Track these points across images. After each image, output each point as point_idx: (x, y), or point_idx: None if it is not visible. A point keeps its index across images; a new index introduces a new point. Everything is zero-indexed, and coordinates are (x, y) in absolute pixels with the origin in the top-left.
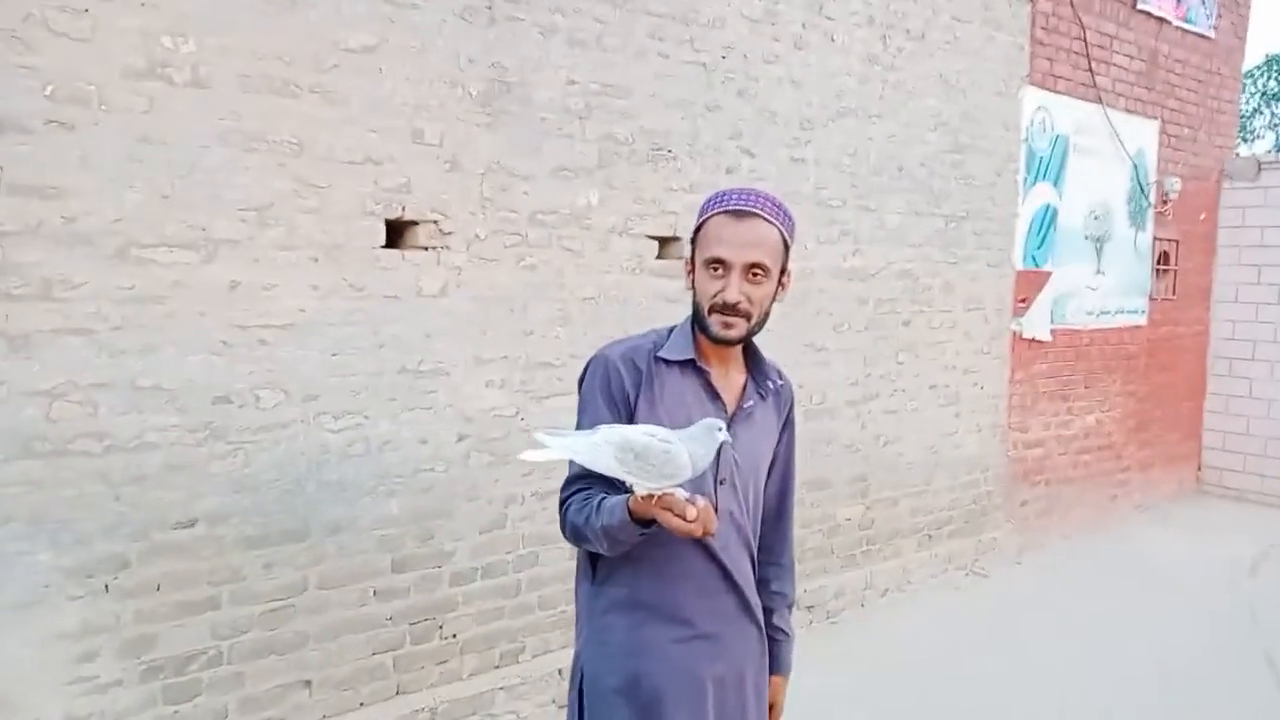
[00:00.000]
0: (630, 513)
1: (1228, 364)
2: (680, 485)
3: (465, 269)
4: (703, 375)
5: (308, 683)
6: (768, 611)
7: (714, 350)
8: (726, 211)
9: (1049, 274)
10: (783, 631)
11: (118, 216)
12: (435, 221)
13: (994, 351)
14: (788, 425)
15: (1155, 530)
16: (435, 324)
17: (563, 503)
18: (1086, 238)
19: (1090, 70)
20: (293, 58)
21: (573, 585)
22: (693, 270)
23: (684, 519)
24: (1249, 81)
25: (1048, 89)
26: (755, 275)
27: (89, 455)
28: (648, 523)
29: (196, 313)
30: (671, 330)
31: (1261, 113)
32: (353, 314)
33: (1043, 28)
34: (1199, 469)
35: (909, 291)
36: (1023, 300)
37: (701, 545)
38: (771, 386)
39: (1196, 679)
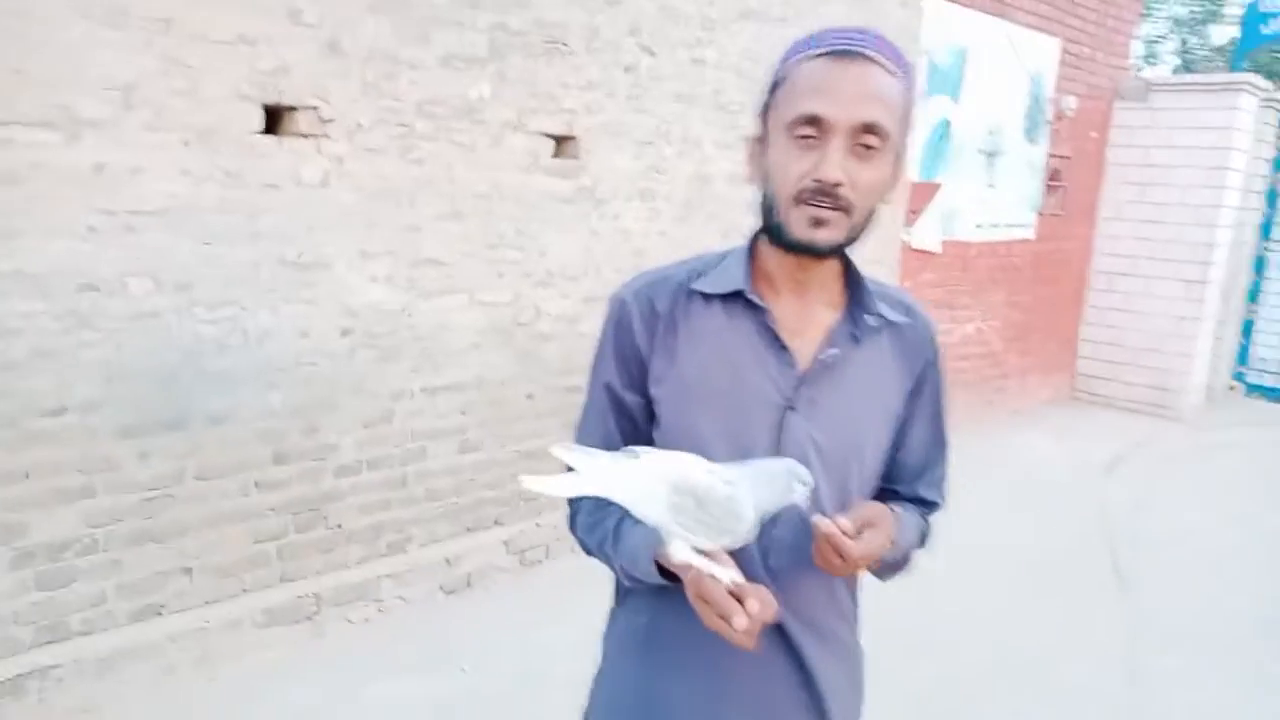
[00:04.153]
0: (659, 567)
1: (1107, 279)
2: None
3: (347, 159)
4: (758, 315)
5: (188, 570)
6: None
7: (784, 275)
8: (826, 53)
9: (939, 186)
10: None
11: None
12: (315, 108)
13: (884, 260)
14: (926, 384)
15: (1027, 433)
16: (316, 215)
17: (571, 504)
18: (980, 151)
19: None
20: None
21: (463, 479)
22: (763, 148)
23: (729, 624)
24: (1160, 6)
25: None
26: (868, 147)
27: None
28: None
29: (59, 196)
30: (725, 256)
31: (1169, 39)
32: (227, 202)
33: None
34: (1073, 377)
35: None
36: (914, 211)
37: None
38: (879, 323)
39: (1041, 569)
